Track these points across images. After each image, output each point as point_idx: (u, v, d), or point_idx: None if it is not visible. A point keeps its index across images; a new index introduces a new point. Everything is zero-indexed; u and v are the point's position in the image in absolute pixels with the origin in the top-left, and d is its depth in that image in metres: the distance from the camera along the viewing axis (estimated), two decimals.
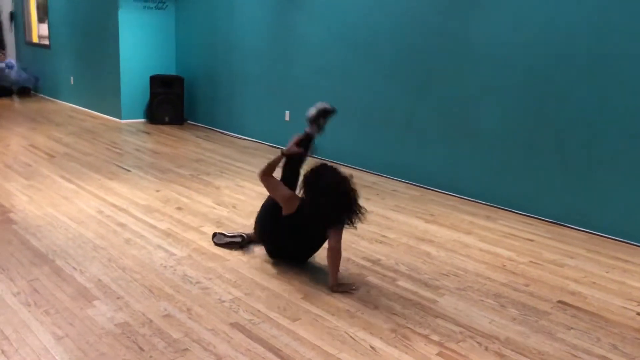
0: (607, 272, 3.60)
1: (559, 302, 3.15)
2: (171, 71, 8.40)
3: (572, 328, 2.87)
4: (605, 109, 4.15)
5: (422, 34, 5.24)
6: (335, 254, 3.17)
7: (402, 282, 3.29)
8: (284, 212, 3.32)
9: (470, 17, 4.88)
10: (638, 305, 3.16)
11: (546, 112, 4.48)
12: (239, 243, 3.66)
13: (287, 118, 6.78)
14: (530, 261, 3.72)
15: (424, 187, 5.36)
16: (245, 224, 4.10)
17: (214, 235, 3.74)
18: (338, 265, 3.19)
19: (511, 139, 4.72)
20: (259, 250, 3.64)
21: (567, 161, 4.40)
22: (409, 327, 2.78)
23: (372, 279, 3.32)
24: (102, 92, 8.60)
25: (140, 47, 8.09)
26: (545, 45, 4.42)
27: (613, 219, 4.18)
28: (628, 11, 3.98)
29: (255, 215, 4.22)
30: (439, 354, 2.55)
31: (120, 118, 8.23)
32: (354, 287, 3.17)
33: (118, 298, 2.92)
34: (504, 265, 3.63)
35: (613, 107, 4.11)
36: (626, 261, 3.79)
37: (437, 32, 5.13)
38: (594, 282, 3.44)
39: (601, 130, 4.18)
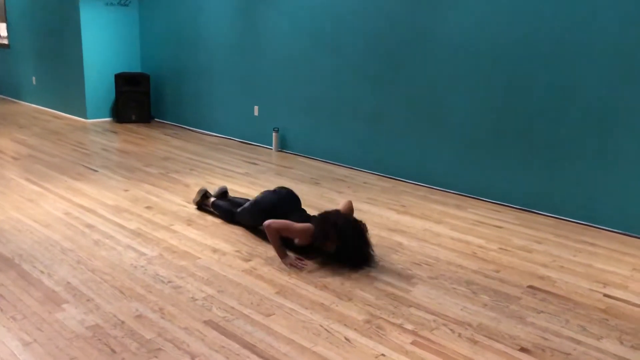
0: (574, 256, 3.67)
1: (529, 287, 3.21)
2: (136, 69, 8.26)
3: (542, 312, 2.92)
4: (568, 97, 4.23)
5: (388, 26, 5.26)
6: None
7: (375, 273, 3.31)
8: (298, 242, 3.48)
9: (435, 8, 4.91)
10: (604, 286, 3.24)
11: (512, 102, 4.54)
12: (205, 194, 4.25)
13: (255, 113, 6.74)
14: (500, 248, 3.78)
15: (395, 179, 5.39)
16: (216, 221, 4.08)
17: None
18: (273, 241, 3.43)
19: (479, 129, 4.78)
20: (231, 248, 3.62)
21: (533, 149, 4.47)
22: (383, 318, 2.79)
23: (345, 271, 3.33)
24: (66, 92, 8.42)
25: (103, 45, 7.94)
26: (510, 35, 4.48)
27: (579, 204, 4.28)
28: (592, 1, 4.06)
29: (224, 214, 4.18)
30: (413, 343, 2.58)
31: (85, 118, 8.07)
32: (304, 263, 3.37)
33: (88, 300, 2.87)
34: (475, 253, 3.67)
35: (576, 96, 4.19)
36: (593, 244, 3.88)
37: (403, 23, 5.15)
38: (562, 266, 3.51)
39: (565, 118, 4.27)
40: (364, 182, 5.28)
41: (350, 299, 2.98)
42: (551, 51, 4.28)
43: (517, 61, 4.47)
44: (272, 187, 5.00)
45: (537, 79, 4.38)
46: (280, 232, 3.43)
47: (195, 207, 4.30)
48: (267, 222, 3.44)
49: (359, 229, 3.41)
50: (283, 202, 3.80)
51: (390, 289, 3.11)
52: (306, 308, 2.87)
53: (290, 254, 3.43)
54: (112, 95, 8.08)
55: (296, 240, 3.48)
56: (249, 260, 3.44)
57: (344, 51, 5.67)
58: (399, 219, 4.29)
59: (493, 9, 4.55)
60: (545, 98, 4.35)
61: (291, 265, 3.34)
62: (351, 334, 2.63)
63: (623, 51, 3.94)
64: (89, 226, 3.91)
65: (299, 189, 4.98)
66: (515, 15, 4.43)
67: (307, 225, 3.45)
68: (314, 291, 3.06)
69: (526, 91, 4.45)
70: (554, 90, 4.30)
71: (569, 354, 2.54)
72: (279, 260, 3.41)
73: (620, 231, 4.09)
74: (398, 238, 3.88)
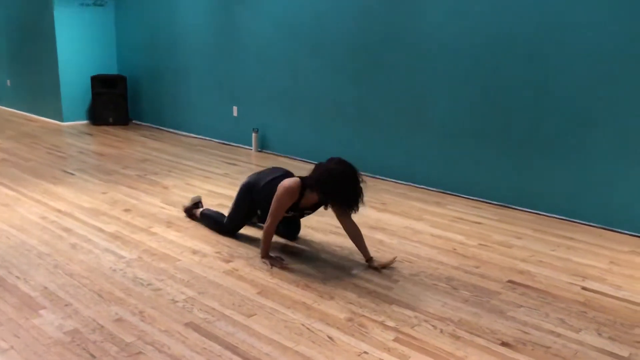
0: (553, 250, 3.72)
1: (509, 281, 3.24)
2: (113, 70, 8.17)
3: (521, 306, 2.95)
4: (547, 95, 4.28)
5: (368, 24, 5.27)
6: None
7: (356, 271, 3.31)
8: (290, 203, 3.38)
9: (415, 6, 4.93)
10: (582, 280, 3.29)
11: (491, 99, 4.58)
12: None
13: (235, 113, 6.71)
14: (480, 244, 3.80)
15: (375, 177, 5.40)
16: (197, 223, 4.04)
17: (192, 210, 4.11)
18: (266, 239, 3.41)
19: (458, 126, 4.81)
20: (211, 249, 3.59)
21: (512, 146, 4.51)
22: (365, 315, 2.79)
23: (327, 269, 3.33)
24: (41, 94, 8.29)
25: (79, 47, 7.83)
26: (489, 33, 4.52)
27: (557, 199, 4.33)
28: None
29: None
30: (395, 340, 2.58)
31: (61, 120, 7.95)
32: (285, 263, 3.36)
33: (66, 305, 2.82)
34: (455, 249, 3.70)
35: (554, 93, 4.24)
36: (570, 238, 3.93)
37: (383, 22, 5.16)
38: (541, 261, 3.54)
39: (543, 116, 4.31)
40: None
41: (332, 298, 2.97)
42: (529, 49, 4.32)
43: (495, 59, 4.51)
44: None
45: (515, 77, 4.42)
46: (277, 219, 3.36)
47: (184, 214, 4.16)
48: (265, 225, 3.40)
49: (350, 169, 3.27)
50: (263, 174, 3.68)
51: (371, 287, 3.11)
52: (288, 308, 2.85)
53: (272, 254, 3.42)
54: (89, 98, 7.98)
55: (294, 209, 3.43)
56: (230, 261, 3.42)
57: (324, 50, 5.67)
58: (380, 217, 4.29)
59: (472, 7, 4.58)
60: (523, 95, 4.40)
61: (272, 264, 3.32)
62: (333, 333, 2.63)
63: (600, 49, 3.99)
64: (66, 230, 3.85)
65: None
66: (493, 13, 4.47)
67: (285, 185, 3.31)
68: (295, 290, 3.05)
69: (505, 89, 4.49)
70: (532, 88, 4.34)
71: (549, 347, 2.57)
72: (260, 259, 3.40)
73: (597, 225, 4.15)
74: (379, 236, 3.89)
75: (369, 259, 3.39)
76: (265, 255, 3.40)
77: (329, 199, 3.30)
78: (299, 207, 3.42)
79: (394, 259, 3.41)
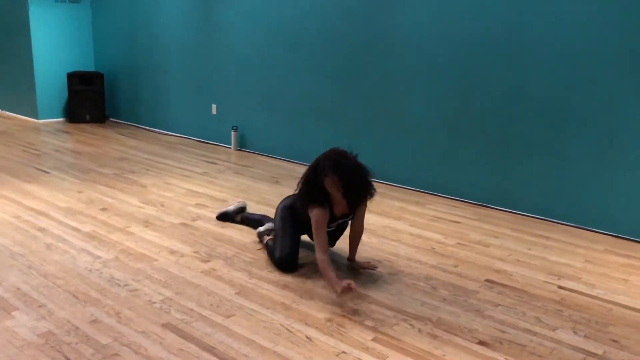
0: (529, 249, 3.76)
1: (486, 280, 3.26)
2: (90, 67, 8.05)
3: (499, 305, 2.97)
4: (522, 96, 4.32)
5: (347, 24, 5.27)
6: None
7: (336, 271, 3.29)
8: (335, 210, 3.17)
9: (393, 6, 4.95)
10: (558, 278, 3.33)
11: (468, 100, 4.61)
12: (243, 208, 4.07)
13: (213, 112, 6.66)
14: (458, 243, 3.83)
15: None
16: (174, 222, 4.00)
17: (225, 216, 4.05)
18: (324, 272, 3.07)
19: (436, 127, 4.84)
20: (189, 249, 3.56)
21: (490, 146, 4.55)
22: (344, 315, 2.79)
23: (306, 270, 3.32)
24: (16, 92, 8.13)
25: (54, 43, 7.70)
26: (465, 34, 4.54)
27: (533, 199, 4.38)
28: (543, 3, 4.15)
29: (186, 213, 4.15)
30: (374, 340, 2.58)
31: (37, 118, 7.81)
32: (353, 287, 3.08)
33: (40, 306, 2.77)
34: (433, 248, 3.72)
35: (530, 94, 4.29)
36: (547, 238, 3.98)
37: (361, 22, 5.17)
38: (518, 260, 3.58)
39: (520, 116, 4.36)
40: None
41: (311, 298, 2.96)
42: (507, 50, 4.36)
43: (472, 61, 4.54)
44: (230, 185, 4.97)
45: (492, 77, 4.46)
46: (323, 241, 3.05)
47: (258, 239, 3.76)
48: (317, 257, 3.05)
49: (342, 156, 3.19)
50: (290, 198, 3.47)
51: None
52: (267, 308, 2.84)
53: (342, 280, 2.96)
54: (65, 95, 7.85)
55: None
56: (208, 261, 3.39)
57: (302, 49, 5.65)
58: None
59: (449, 8, 4.61)
60: (500, 96, 4.44)
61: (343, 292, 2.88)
62: (312, 333, 2.62)
63: (576, 50, 4.04)
64: (41, 229, 3.78)
65: (258, 188, 4.95)
66: (470, 14, 4.50)
67: (312, 209, 3.07)
68: (275, 291, 3.03)
69: (481, 89, 4.52)
70: (509, 89, 4.38)
71: (526, 345, 2.59)
72: (241, 264, 3.37)
73: (573, 224, 4.21)
74: None
75: (353, 259, 3.38)
76: (337, 283, 2.90)
77: (346, 192, 3.03)
78: (336, 216, 3.19)
79: (375, 267, 3.34)
